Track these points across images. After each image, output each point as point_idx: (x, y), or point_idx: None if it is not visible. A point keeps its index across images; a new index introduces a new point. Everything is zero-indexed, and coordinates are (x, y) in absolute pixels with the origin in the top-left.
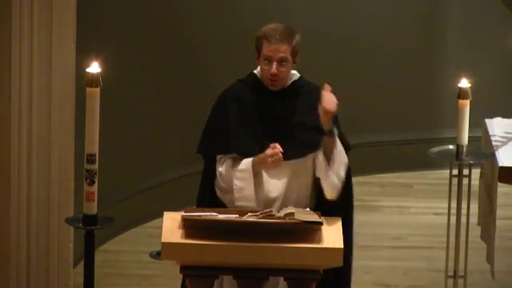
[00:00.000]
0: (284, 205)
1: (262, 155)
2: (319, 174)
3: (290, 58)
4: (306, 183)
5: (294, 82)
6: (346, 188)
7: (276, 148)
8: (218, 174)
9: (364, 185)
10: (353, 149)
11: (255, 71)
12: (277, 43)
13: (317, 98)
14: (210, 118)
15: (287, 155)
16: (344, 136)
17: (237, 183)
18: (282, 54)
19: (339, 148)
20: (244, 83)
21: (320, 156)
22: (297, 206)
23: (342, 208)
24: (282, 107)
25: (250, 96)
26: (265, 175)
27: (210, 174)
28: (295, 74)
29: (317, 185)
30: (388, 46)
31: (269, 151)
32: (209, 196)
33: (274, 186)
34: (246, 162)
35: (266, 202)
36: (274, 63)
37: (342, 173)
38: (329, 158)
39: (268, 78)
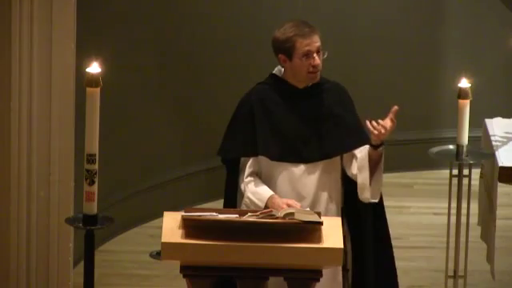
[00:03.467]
0: (316, 201)
1: (279, 203)
2: (361, 180)
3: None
4: (336, 179)
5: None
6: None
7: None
8: (240, 185)
9: None
10: None
11: (275, 72)
12: (310, 35)
13: (341, 94)
14: (233, 121)
15: (321, 154)
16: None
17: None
18: (318, 44)
19: (381, 166)
20: (266, 85)
21: (362, 162)
22: (328, 201)
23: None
24: (311, 104)
25: (274, 96)
26: (296, 172)
27: (234, 179)
28: None
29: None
30: (388, 46)
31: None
32: (235, 201)
33: (306, 183)
34: (262, 198)
35: (298, 200)
36: (315, 55)
37: (379, 190)
38: (372, 171)
39: (310, 71)
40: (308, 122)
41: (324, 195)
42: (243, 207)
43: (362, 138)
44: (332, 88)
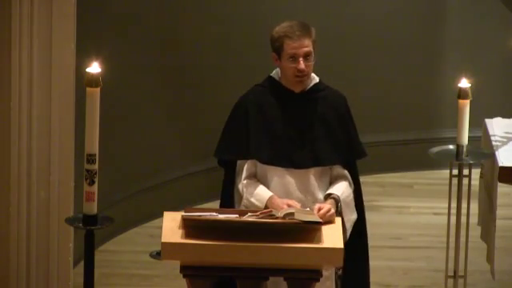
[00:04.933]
0: (306, 206)
1: (279, 204)
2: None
3: (313, 51)
4: (326, 184)
5: (316, 85)
6: (356, 193)
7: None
8: (238, 187)
9: (364, 185)
10: None
11: (272, 74)
12: (299, 38)
13: (338, 103)
14: (229, 122)
15: (312, 161)
16: (359, 141)
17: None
18: (306, 49)
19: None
20: (263, 87)
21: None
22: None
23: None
24: (306, 110)
25: (270, 100)
26: (287, 176)
27: (230, 180)
28: (315, 77)
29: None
30: (388, 46)
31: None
32: (230, 202)
33: (297, 187)
34: (262, 199)
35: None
36: (300, 59)
37: (349, 226)
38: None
39: (295, 75)
40: (301, 128)
41: (314, 199)
42: (242, 208)
43: (352, 152)
44: (329, 95)
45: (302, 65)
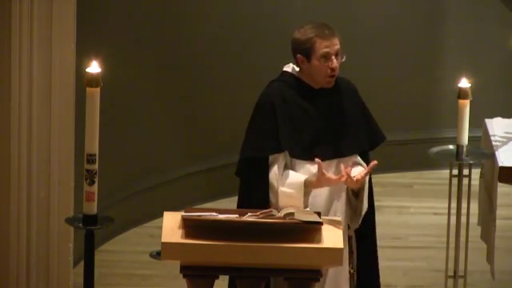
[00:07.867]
0: (330, 198)
1: (324, 177)
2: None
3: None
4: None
5: None
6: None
7: (346, 173)
8: (270, 185)
9: None
10: None
11: (287, 69)
12: (330, 37)
13: (353, 92)
14: (255, 119)
15: (335, 153)
16: (378, 126)
17: (286, 205)
18: (338, 47)
19: (362, 204)
20: (283, 83)
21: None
22: (341, 198)
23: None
24: (327, 104)
25: (293, 95)
26: (312, 170)
27: (258, 177)
28: None
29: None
30: (388, 46)
31: (338, 177)
32: (257, 200)
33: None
34: (297, 184)
35: (312, 198)
36: (333, 57)
37: (355, 224)
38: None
39: (328, 74)
40: (324, 121)
41: (337, 192)
42: (282, 199)
43: (374, 138)
44: (345, 86)
45: (335, 63)
